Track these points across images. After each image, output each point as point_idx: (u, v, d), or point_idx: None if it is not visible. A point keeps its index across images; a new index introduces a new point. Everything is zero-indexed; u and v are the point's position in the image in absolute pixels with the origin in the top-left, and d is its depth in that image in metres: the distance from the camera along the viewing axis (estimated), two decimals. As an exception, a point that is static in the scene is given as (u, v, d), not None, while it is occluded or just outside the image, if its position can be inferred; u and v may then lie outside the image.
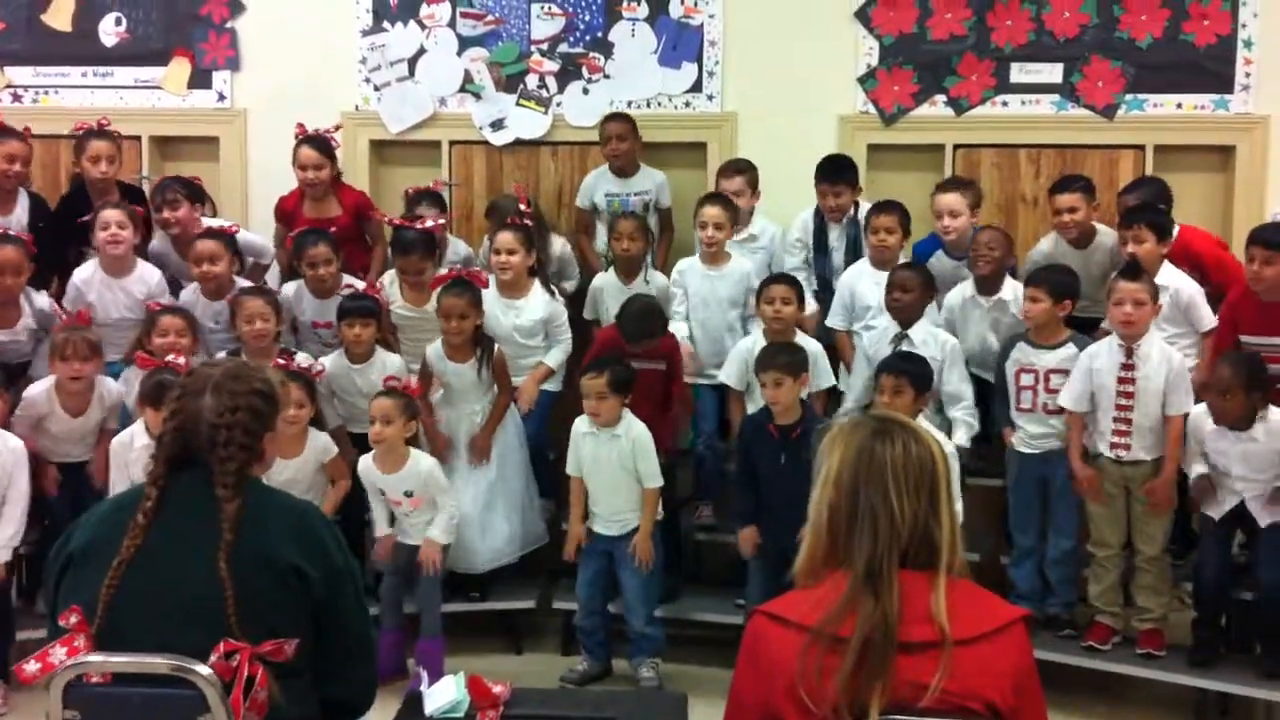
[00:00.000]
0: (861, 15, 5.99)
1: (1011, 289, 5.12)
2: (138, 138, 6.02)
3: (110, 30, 6.30)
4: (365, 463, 4.90)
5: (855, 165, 5.67)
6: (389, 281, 5.49)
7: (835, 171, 5.54)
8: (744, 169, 5.67)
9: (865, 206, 5.55)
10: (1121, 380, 4.62)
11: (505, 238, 5.35)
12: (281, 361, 4.84)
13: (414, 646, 4.92)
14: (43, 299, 5.20)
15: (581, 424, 4.88)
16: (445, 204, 5.87)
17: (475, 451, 5.19)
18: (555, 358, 5.44)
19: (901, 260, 5.26)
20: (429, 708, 2.84)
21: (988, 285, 5.16)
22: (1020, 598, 4.74)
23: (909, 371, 4.58)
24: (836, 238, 5.59)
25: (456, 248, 5.77)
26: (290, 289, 5.39)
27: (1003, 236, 5.23)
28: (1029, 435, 4.88)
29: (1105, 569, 4.79)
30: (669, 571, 5.11)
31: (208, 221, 5.61)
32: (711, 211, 5.37)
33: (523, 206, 5.56)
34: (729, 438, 5.35)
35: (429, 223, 5.48)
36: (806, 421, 4.68)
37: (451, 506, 4.94)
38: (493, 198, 5.93)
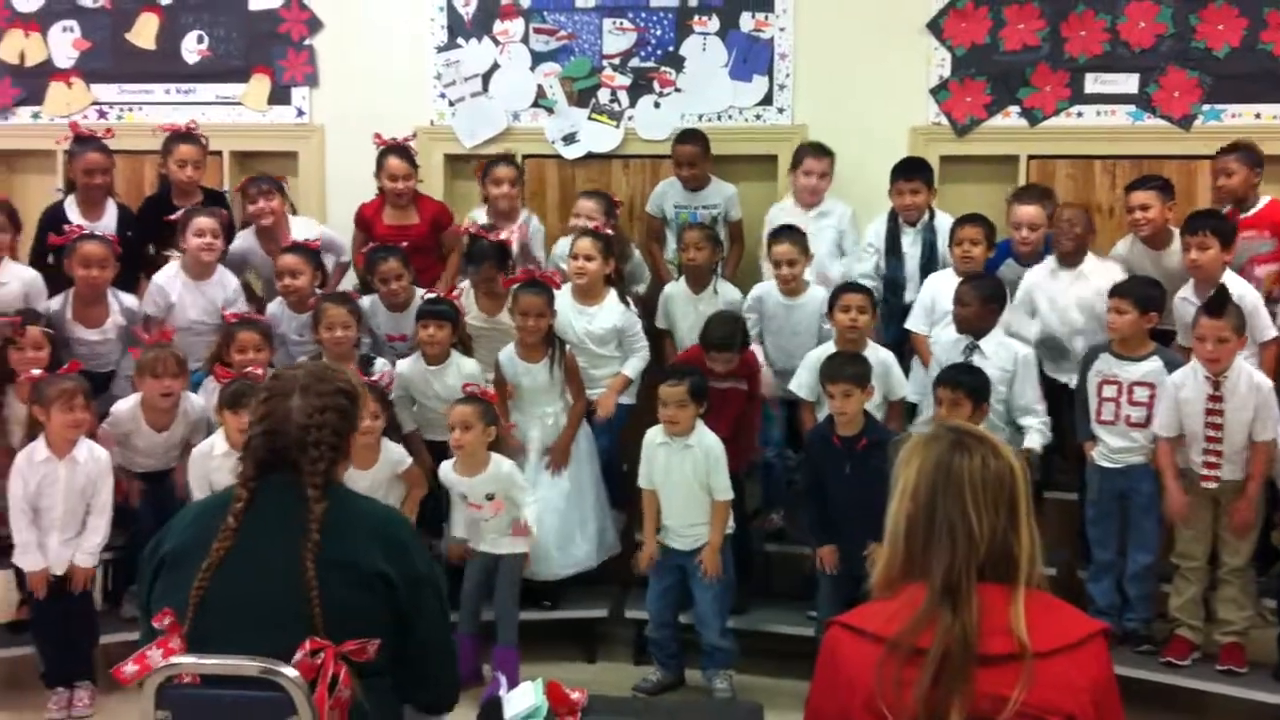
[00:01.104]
0: (933, 26, 5.97)
1: (1093, 263, 5.14)
2: (219, 152, 6.14)
3: (192, 48, 6.44)
4: (446, 469, 4.95)
5: (930, 166, 5.65)
6: (464, 292, 5.56)
7: (911, 169, 5.55)
8: (828, 151, 5.72)
9: (942, 215, 5.55)
10: (1210, 411, 4.53)
11: (584, 244, 5.39)
12: (362, 375, 4.91)
13: (490, 653, 4.97)
14: (129, 299, 5.34)
15: (655, 435, 4.90)
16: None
17: (554, 457, 5.23)
18: (633, 367, 5.45)
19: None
20: (508, 713, 2.88)
21: (1070, 260, 5.16)
22: (1099, 613, 4.68)
23: (965, 384, 4.56)
24: (910, 243, 5.58)
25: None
26: (365, 303, 5.47)
27: (1083, 214, 5.24)
28: (1110, 449, 4.83)
29: (1188, 581, 4.72)
30: (739, 584, 5.11)
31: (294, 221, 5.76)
32: (782, 249, 5.34)
33: (590, 225, 5.54)
34: (798, 449, 5.35)
35: (504, 235, 5.54)
36: (871, 432, 4.69)
37: (533, 503, 4.97)
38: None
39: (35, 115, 6.53)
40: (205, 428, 5.02)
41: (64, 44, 6.50)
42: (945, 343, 5.04)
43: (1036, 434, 4.87)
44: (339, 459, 2.61)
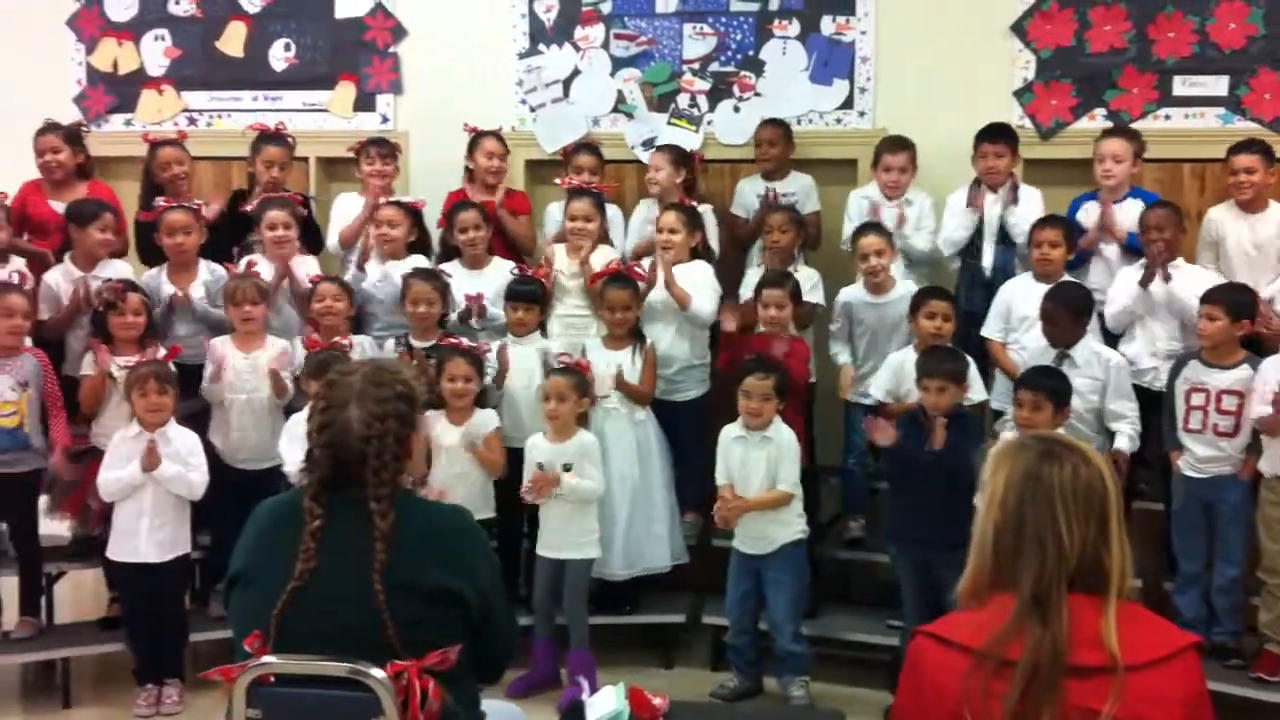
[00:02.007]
0: (1018, 29, 5.91)
1: (1182, 267, 5.08)
2: (305, 159, 6.24)
3: (280, 56, 6.57)
4: (534, 438, 5.02)
5: (1015, 131, 5.60)
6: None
7: (996, 133, 5.51)
8: (908, 145, 5.69)
9: (1026, 188, 5.50)
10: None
11: (669, 217, 5.45)
12: (453, 340, 5.10)
13: (565, 657, 5.00)
14: (218, 268, 5.45)
15: (731, 430, 4.91)
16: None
17: (620, 385, 5.22)
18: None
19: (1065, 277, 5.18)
20: (591, 716, 2.89)
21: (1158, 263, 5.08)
22: (1186, 625, 4.58)
23: (1047, 387, 4.50)
24: (990, 205, 5.49)
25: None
26: (445, 267, 5.57)
27: (1170, 215, 5.13)
28: (1196, 459, 4.74)
29: (1275, 597, 4.63)
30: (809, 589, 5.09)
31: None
32: (869, 241, 5.33)
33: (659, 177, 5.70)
34: (879, 457, 5.31)
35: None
36: (958, 410, 4.67)
37: (598, 478, 4.98)
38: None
39: (128, 122, 6.68)
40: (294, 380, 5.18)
41: (156, 52, 6.66)
42: (1034, 351, 4.97)
43: (1125, 437, 4.78)
44: (402, 467, 2.56)
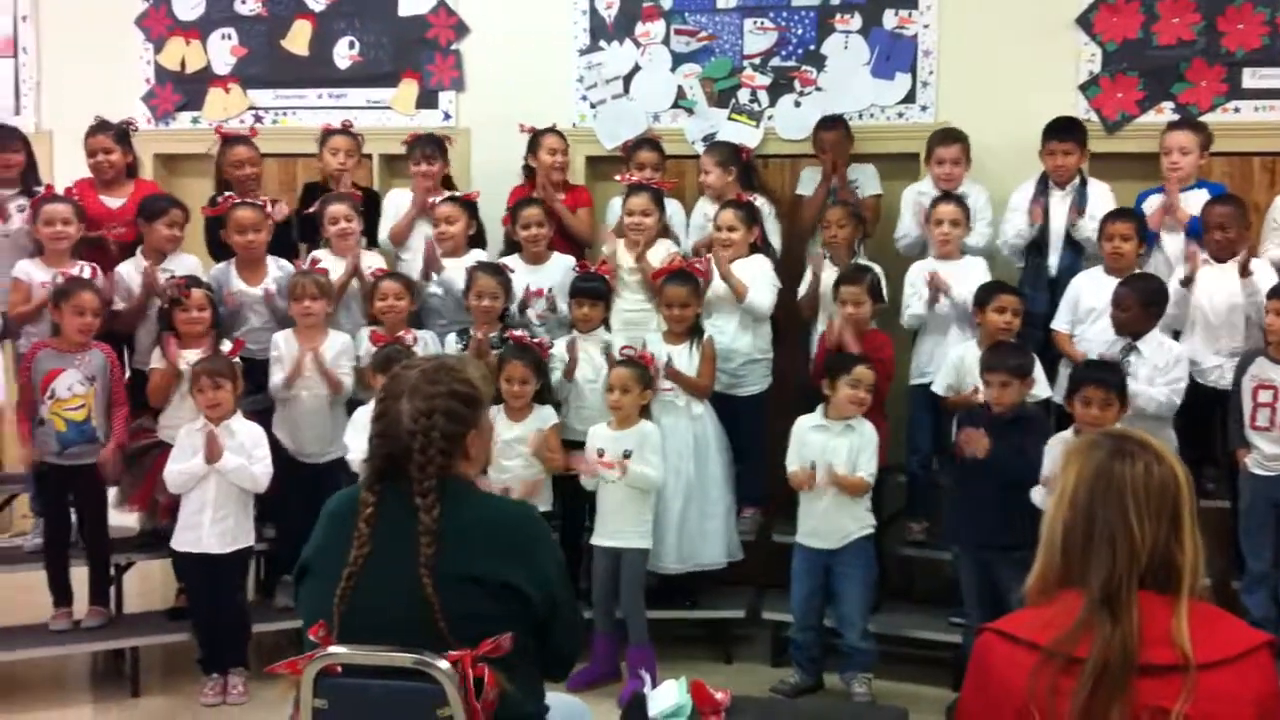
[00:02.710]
0: (1083, 21, 5.84)
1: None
2: (369, 155, 6.28)
3: (344, 54, 6.62)
4: (596, 426, 5.06)
5: (1084, 126, 5.54)
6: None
7: (1064, 129, 5.44)
8: (960, 137, 5.65)
9: (1095, 183, 5.44)
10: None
11: (727, 215, 5.46)
12: (517, 335, 5.13)
13: (625, 651, 5.02)
14: (286, 264, 5.53)
15: (809, 419, 4.91)
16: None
17: (671, 374, 5.22)
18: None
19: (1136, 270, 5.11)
20: (653, 710, 2.89)
21: (1222, 258, 5.02)
22: (1254, 624, 4.48)
23: (1115, 383, 4.45)
24: (1057, 203, 5.42)
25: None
26: (506, 260, 5.61)
27: (1234, 213, 5.05)
28: (1264, 456, 4.67)
29: (1346, 596, 4.56)
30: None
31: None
32: (948, 209, 5.34)
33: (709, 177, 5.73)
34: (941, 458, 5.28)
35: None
36: (1022, 409, 4.64)
37: (659, 466, 4.98)
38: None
39: (195, 120, 6.76)
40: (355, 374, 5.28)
41: (222, 51, 6.73)
42: (1101, 344, 4.91)
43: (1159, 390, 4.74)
44: (451, 463, 2.55)
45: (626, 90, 6.34)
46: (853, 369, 4.82)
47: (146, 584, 5.88)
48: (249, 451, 4.88)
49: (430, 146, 5.88)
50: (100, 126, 5.80)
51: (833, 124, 5.87)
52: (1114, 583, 2.00)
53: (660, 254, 5.52)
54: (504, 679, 2.43)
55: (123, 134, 5.83)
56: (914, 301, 5.39)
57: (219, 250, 5.64)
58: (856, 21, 6.07)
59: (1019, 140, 5.69)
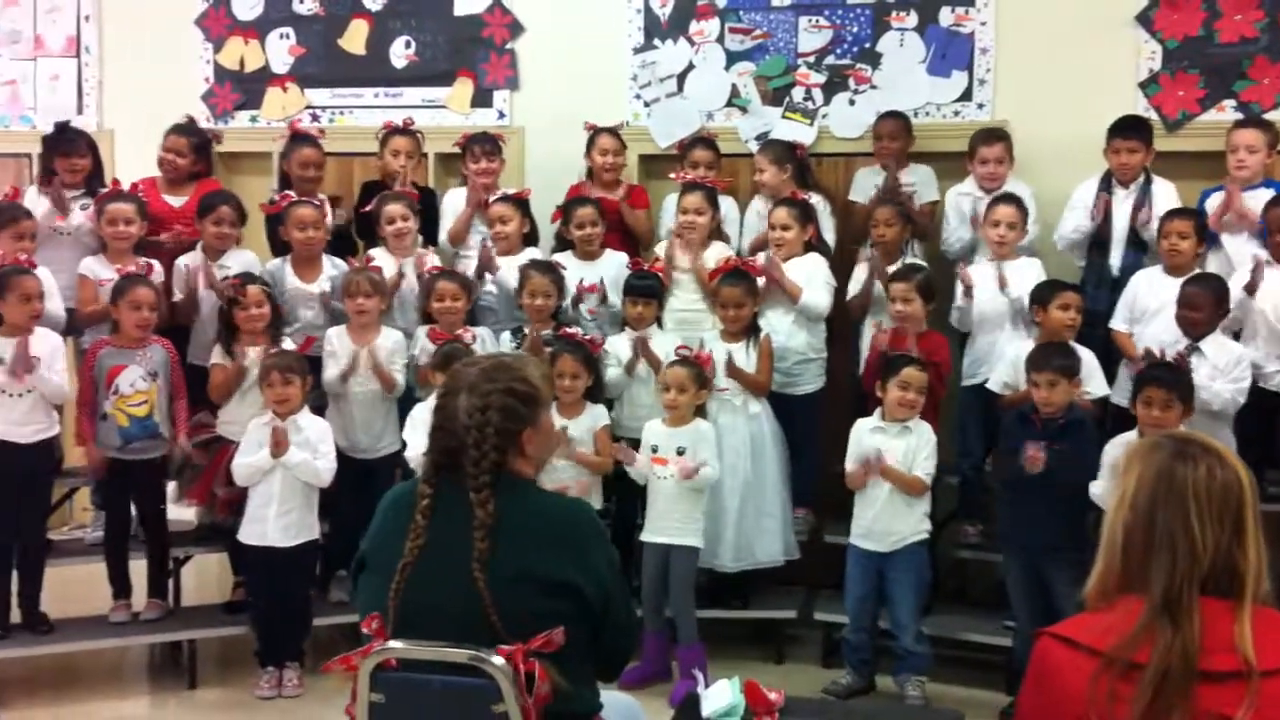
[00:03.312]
0: (1143, 18, 5.77)
1: None
2: (425, 154, 6.32)
3: (400, 53, 6.67)
4: (652, 422, 5.06)
5: (1150, 124, 5.47)
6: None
7: (1129, 127, 5.38)
8: (1003, 135, 5.61)
9: (1160, 182, 5.37)
10: None
11: (780, 213, 5.46)
12: (570, 331, 5.16)
13: (675, 650, 5.01)
14: (340, 262, 5.57)
15: (867, 421, 4.89)
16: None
17: (731, 371, 5.22)
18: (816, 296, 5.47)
19: (1197, 270, 5.04)
20: (706, 709, 2.89)
21: None
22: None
23: (1178, 384, 4.40)
24: (1121, 202, 5.35)
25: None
26: (559, 258, 5.63)
27: None
28: (1327, 459, 4.60)
29: None
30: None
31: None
32: (1006, 211, 5.29)
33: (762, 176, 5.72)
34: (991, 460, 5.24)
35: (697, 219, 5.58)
36: (1070, 413, 4.59)
37: (714, 465, 4.98)
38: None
39: (253, 119, 6.85)
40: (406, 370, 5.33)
41: (280, 50, 6.80)
42: (1158, 344, 4.85)
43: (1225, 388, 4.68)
44: (507, 459, 2.56)
45: (680, 89, 6.34)
46: (902, 371, 4.79)
47: (203, 578, 5.95)
48: (314, 446, 4.93)
49: (487, 145, 5.91)
50: (182, 128, 5.89)
51: (895, 116, 5.85)
52: (1175, 588, 1.97)
53: (715, 254, 5.51)
54: (556, 673, 2.43)
55: (203, 145, 5.92)
56: (960, 299, 5.36)
57: (280, 247, 5.71)
58: (912, 19, 6.03)
59: (1077, 139, 5.64)
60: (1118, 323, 5.19)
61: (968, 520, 5.49)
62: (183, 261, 5.51)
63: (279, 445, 4.83)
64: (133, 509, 5.28)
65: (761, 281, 5.36)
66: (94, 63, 7.07)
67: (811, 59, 6.17)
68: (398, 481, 5.21)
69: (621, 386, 5.34)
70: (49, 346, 4.99)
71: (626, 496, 5.24)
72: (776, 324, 5.44)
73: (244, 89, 6.85)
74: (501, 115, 6.55)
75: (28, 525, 5.07)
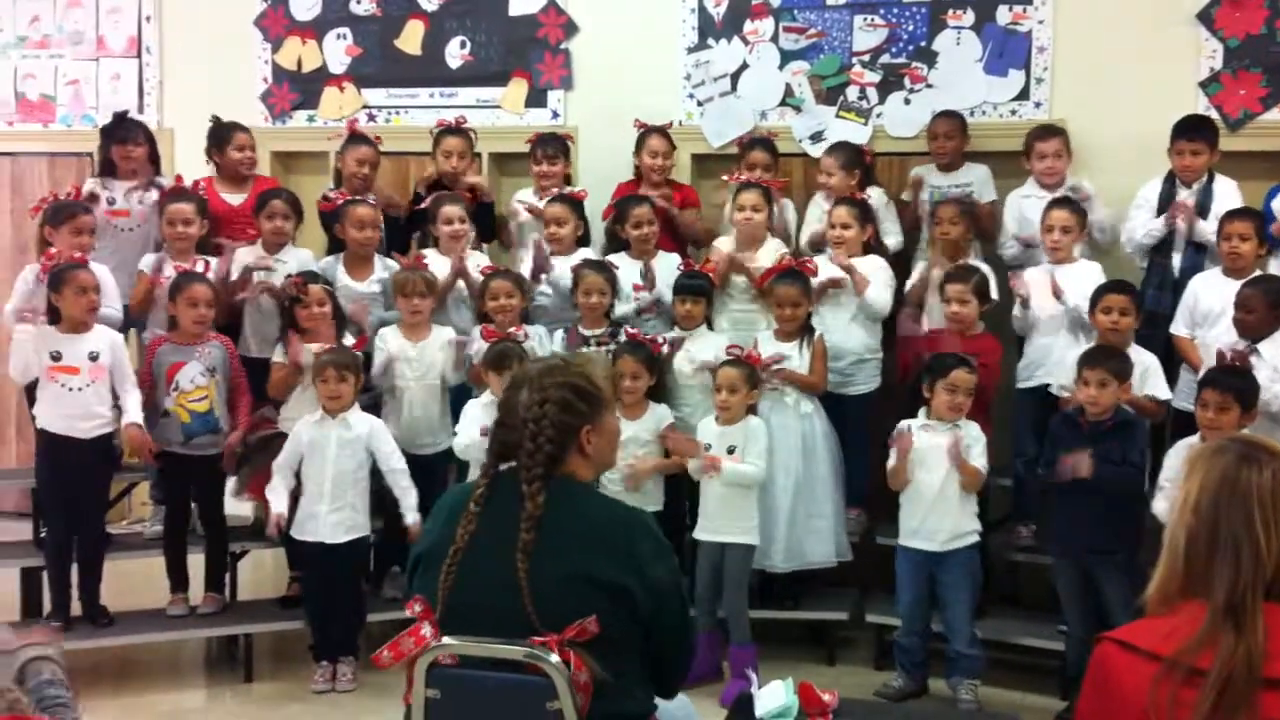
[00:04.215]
0: (1204, 17, 5.69)
1: None
2: (479, 154, 6.35)
3: (455, 53, 6.70)
4: (706, 419, 5.07)
5: (1215, 125, 5.40)
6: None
7: (1193, 127, 5.32)
8: (1058, 130, 5.57)
9: (1223, 180, 5.30)
10: None
11: (841, 212, 5.45)
12: (632, 331, 5.16)
13: (727, 650, 5.01)
14: (392, 262, 5.61)
15: (914, 421, 4.86)
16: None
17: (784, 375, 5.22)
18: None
19: (1257, 272, 4.97)
20: (760, 710, 2.88)
21: None
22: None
23: (1235, 388, 4.33)
24: (1181, 235, 5.29)
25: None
26: (613, 258, 5.64)
27: None
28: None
29: None
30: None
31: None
32: (1060, 215, 5.25)
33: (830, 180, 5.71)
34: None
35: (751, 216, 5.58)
36: (1118, 415, 4.55)
37: (761, 464, 4.96)
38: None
39: (310, 119, 6.91)
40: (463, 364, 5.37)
41: (338, 51, 6.86)
42: (1223, 346, 4.78)
43: None
44: (562, 454, 2.59)
45: (734, 88, 6.33)
46: (951, 373, 4.76)
47: (259, 572, 6.02)
48: (366, 443, 4.97)
49: (551, 147, 5.93)
50: (245, 127, 5.98)
51: (951, 115, 5.84)
52: (1238, 593, 1.95)
53: (770, 253, 5.51)
54: (592, 663, 2.44)
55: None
56: (1018, 308, 5.32)
57: (335, 245, 5.75)
58: (969, 17, 5.99)
59: (1137, 138, 5.60)
60: (1178, 327, 5.12)
61: (1021, 522, 5.44)
62: (241, 253, 5.58)
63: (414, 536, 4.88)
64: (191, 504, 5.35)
65: (815, 281, 5.35)
66: (154, 63, 7.17)
67: (866, 58, 6.15)
68: (451, 478, 5.30)
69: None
70: (108, 342, 5.06)
71: (675, 495, 5.23)
72: (832, 323, 5.43)
73: (301, 89, 6.92)
74: (555, 115, 6.57)
75: (87, 519, 5.14)
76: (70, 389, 4.97)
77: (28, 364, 4.99)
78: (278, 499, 4.94)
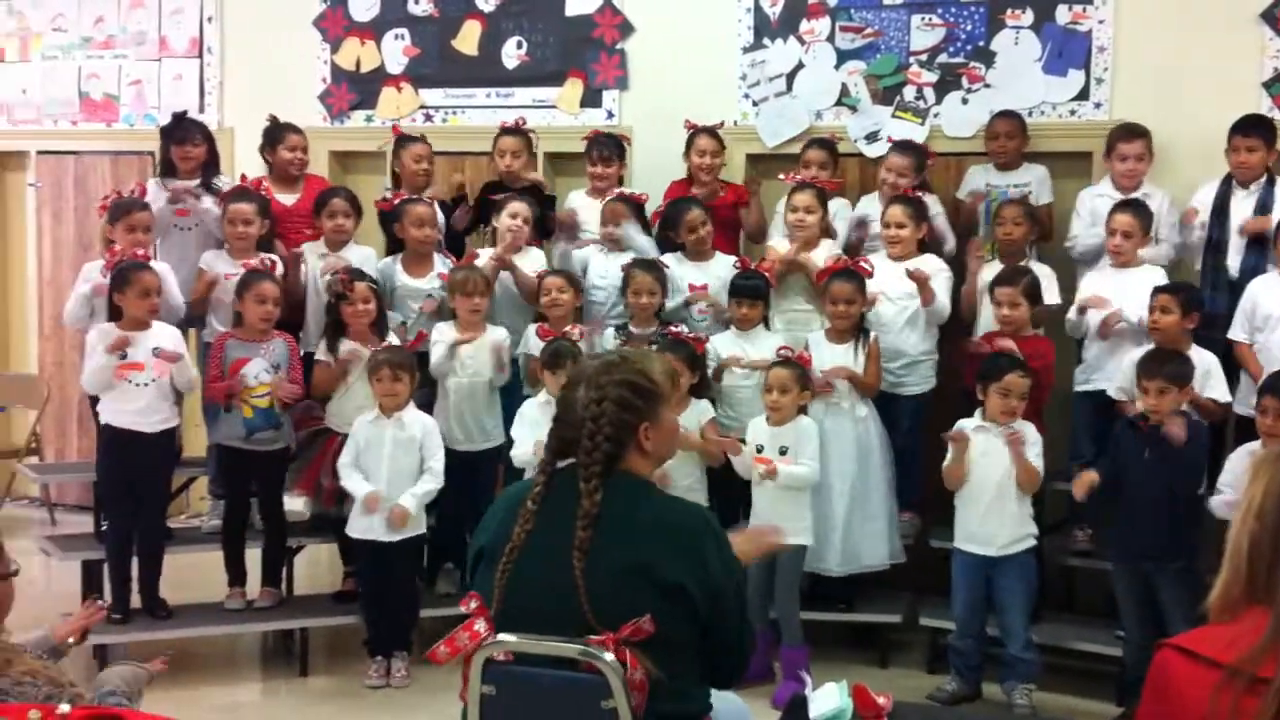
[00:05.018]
0: (1268, 16, 5.60)
1: None
2: (534, 154, 6.37)
3: (512, 53, 6.73)
4: (757, 420, 5.06)
5: (1274, 124, 5.32)
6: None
7: (1250, 125, 5.25)
8: (1143, 132, 5.48)
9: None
10: None
11: (895, 211, 5.43)
12: (675, 329, 5.17)
13: (778, 651, 5.00)
14: (450, 262, 5.65)
15: (969, 421, 4.84)
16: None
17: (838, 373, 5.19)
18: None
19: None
20: (814, 712, 2.87)
21: None
22: None
23: None
24: (1239, 202, 5.21)
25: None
26: (667, 259, 5.63)
27: None
28: None
29: None
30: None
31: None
32: (1123, 219, 5.19)
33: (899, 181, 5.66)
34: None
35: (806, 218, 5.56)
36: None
37: (813, 465, 4.94)
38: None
39: (368, 119, 6.97)
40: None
41: (395, 51, 6.91)
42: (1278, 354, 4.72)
43: None
44: (621, 452, 2.58)
45: (789, 88, 6.31)
46: (1004, 377, 4.72)
47: (315, 568, 6.08)
48: (420, 442, 5.00)
49: (606, 148, 5.95)
50: (299, 129, 6.05)
51: (1010, 115, 5.79)
52: (1303, 601, 1.92)
53: (824, 252, 5.49)
54: (647, 661, 2.44)
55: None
56: (1074, 313, 5.26)
57: (393, 245, 5.80)
58: (1028, 17, 5.94)
59: (1198, 140, 5.51)
60: (1236, 332, 5.04)
61: (1077, 526, 5.39)
62: (307, 249, 5.65)
63: (400, 522, 4.94)
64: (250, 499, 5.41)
65: (879, 282, 5.32)
66: (215, 63, 7.27)
67: (924, 57, 6.11)
68: (500, 476, 5.33)
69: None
70: (170, 339, 5.13)
71: (727, 496, 5.22)
72: (889, 323, 5.40)
73: (360, 89, 6.98)
74: (610, 115, 6.58)
75: (149, 513, 5.22)
76: (135, 385, 5.04)
77: (99, 377, 5.04)
78: (358, 487, 4.97)
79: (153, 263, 5.28)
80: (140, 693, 2.68)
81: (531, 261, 5.68)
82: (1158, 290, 4.89)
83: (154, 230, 5.53)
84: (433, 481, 5.02)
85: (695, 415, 5.09)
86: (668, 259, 5.60)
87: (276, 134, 6.00)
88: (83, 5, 7.52)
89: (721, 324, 5.51)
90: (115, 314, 5.07)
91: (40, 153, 7.76)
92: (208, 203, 5.72)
